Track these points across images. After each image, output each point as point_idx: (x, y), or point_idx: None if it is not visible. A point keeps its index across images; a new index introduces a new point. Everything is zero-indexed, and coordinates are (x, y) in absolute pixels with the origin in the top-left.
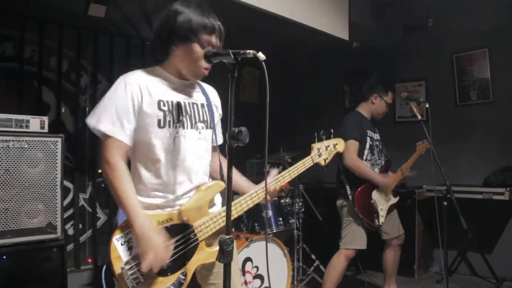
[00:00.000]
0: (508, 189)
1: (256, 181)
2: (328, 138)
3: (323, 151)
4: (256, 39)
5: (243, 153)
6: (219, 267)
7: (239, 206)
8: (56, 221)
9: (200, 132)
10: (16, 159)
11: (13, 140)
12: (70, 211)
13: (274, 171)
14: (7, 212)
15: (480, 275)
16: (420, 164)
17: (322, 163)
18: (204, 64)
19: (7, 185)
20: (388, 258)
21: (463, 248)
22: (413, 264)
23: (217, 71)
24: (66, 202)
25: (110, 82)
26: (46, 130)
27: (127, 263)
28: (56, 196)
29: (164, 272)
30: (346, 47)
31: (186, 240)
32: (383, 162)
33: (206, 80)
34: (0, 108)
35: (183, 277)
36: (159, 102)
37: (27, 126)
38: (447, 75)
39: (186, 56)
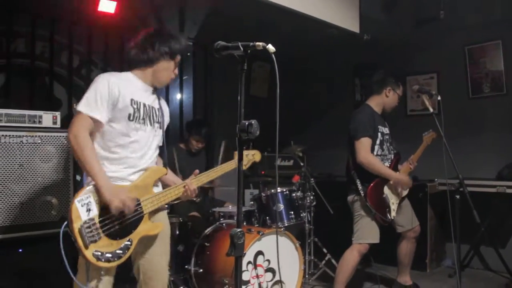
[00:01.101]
0: None
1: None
2: (248, 149)
3: (243, 158)
4: (266, 33)
5: (254, 146)
6: (158, 248)
7: (168, 194)
8: None
9: (156, 130)
10: (29, 154)
11: (26, 136)
12: None
13: (196, 171)
14: (21, 206)
15: (493, 269)
16: (432, 158)
17: (243, 167)
18: (172, 76)
19: (21, 180)
20: (402, 250)
21: (476, 242)
22: (425, 258)
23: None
24: None
25: None
26: (58, 125)
27: (85, 222)
28: (69, 190)
29: (114, 235)
30: (357, 40)
31: (134, 211)
32: (392, 156)
33: (215, 71)
34: (13, 104)
35: (129, 243)
36: (131, 100)
37: (39, 122)
38: (459, 67)
39: (165, 69)
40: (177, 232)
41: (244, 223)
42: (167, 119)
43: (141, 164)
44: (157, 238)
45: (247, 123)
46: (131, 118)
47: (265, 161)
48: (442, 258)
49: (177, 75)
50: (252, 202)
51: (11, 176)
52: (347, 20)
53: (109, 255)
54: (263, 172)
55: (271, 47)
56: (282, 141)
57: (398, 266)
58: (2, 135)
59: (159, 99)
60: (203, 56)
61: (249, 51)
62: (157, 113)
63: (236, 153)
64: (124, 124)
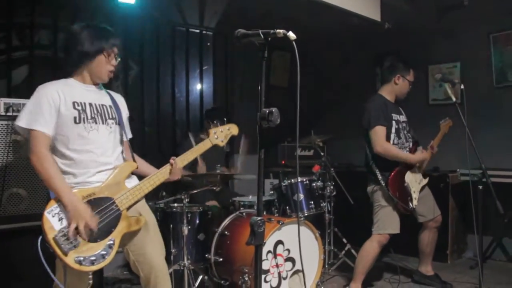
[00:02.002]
0: None
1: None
2: (222, 124)
3: (219, 134)
4: (287, 22)
5: (274, 136)
6: (141, 238)
7: (143, 186)
8: None
9: (111, 127)
10: None
11: None
12: None
13: (173, 158)
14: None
15: None
16: (455, 148)
17: (220, 144)
18: (110, 68)
19: None
20: (424, 239)
21: (499, 233)
22: (446, 249)
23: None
24: None
25: (142, 67)
26: None
27: (59, 231)
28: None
29: (93, 239)
30: (378, 28)
31: (109, 210)
32: (410, 144)
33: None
34: None
35: (112, 242)
36: (73, 103)
37: None
38: (483, 56)
39: (98, 65)
40: (197, 221)
41: (264, 213)
42: (125, 112)
43: (101, 164)
44: (143, 230)
45: (267, 111)
46: (78, 120)
47: (285, 151)
48: (463, 249)
49: (115, 66)
50: (272, 192)
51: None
52: (368, 8)
53: (93, 258)
54: (283, 162)
55: (292, 35)
56: (302, 131)
57: (419, 256)
58: None
59: (110, 95)
60: (223, 46)
61: (269, 38)
62: (109, 110)
63: (211, 131)
64: (72, 128)
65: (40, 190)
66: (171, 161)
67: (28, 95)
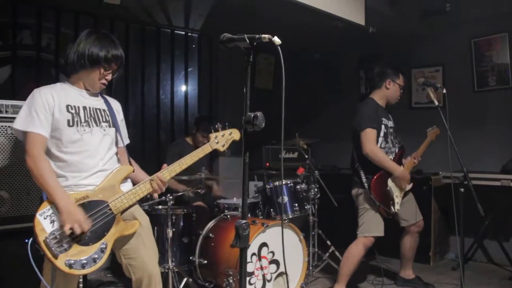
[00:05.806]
0: None
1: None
2: (224, 129)
3: (219, 139)
4: (271, 25)
5: (258, 139)
6: (134, 242)
7: (139, 190)
8: None
9: (104, 129)
10: None
11: None
12: None
13: (164, 165)
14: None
15: (496, 262)
16: (437, 151)
17: (221, 149)
18: (102, 81)
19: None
20: (406, 244)
21: (480, 235)
22: (429, 251)
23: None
24: None
25: (126, 68)
26: None
27: (51, 234)
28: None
29: (85, 242)
30: (362, 32)
31: (102, 214)
32: (397, 150)
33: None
34: (18, 96)
35: (104, 246)
36: (67, 106)
37: None
38: (465, 60)
39: (92, 76)
40: (182, 224)
41: (249, 215)
42: (120, 117)
43: (95, 166)
44: (137, 234)
45: (252, 115)
46: (71, 123)
47: (269, 153)
48: (445, 251)
49: (108, 80)
50: (256, 194)
51: (18, 167)
52: (352, 12)
53: (84, 261)
54: (267, 164)
55: (277, 40)
56: (286, 133)
57: (401, 260)
58: (9, 126)
59: (105, 99)
60: (208, 48)
61: (255, 43)
62: (103, 113)
63: (211, 135)
64: (65, 131)
65: (22, 193)
66: (157, 174)
67: (10, 96)
